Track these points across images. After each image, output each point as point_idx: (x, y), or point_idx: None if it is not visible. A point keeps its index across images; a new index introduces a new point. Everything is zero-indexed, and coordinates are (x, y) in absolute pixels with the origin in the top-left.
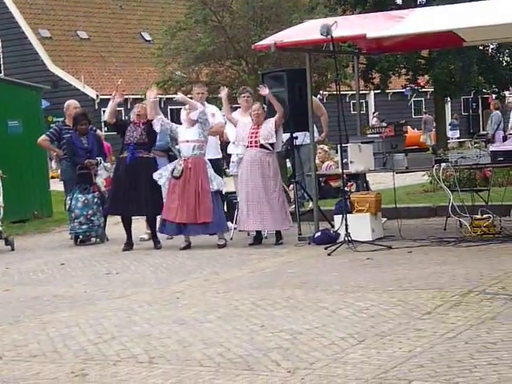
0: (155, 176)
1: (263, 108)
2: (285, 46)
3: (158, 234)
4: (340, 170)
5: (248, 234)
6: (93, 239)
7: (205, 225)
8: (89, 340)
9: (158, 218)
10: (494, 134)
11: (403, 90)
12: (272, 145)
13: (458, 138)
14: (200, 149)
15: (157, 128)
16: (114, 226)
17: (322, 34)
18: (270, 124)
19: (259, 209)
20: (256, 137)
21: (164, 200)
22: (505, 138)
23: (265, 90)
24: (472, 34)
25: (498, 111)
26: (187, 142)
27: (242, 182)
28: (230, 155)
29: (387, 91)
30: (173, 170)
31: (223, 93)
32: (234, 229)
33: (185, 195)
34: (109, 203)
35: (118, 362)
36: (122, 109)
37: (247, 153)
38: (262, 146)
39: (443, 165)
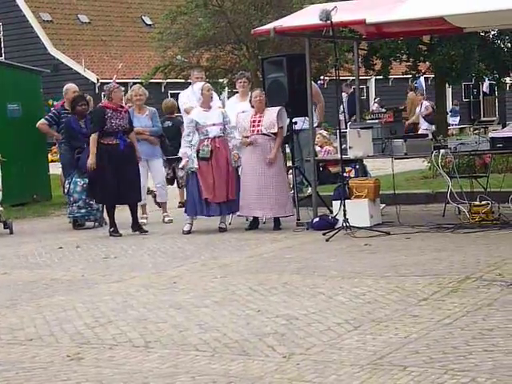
0: (187, 166)
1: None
2: (284, 31)
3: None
4: (339, 156)
5: (246, 219)
6: (91, 223)
7: (230, 202)
8: (85, 324)
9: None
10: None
11: (404, 76)
12: (275, 133)
13: (458, 125)
14: (224, 130)
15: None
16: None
17: (321, 19)
18: (273, 114)
19: (262, 195)
20: (258, 125)
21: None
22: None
23: None
24: (471, 20)
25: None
26: (214, 125)
27: (244, 168)
28: None
29: (388, 77)
30: (198, 152)
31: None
32: (233, 213)
33: (218, 174)
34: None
35: (114, 346)
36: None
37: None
38: (263, 133)
39: (442, 151)
